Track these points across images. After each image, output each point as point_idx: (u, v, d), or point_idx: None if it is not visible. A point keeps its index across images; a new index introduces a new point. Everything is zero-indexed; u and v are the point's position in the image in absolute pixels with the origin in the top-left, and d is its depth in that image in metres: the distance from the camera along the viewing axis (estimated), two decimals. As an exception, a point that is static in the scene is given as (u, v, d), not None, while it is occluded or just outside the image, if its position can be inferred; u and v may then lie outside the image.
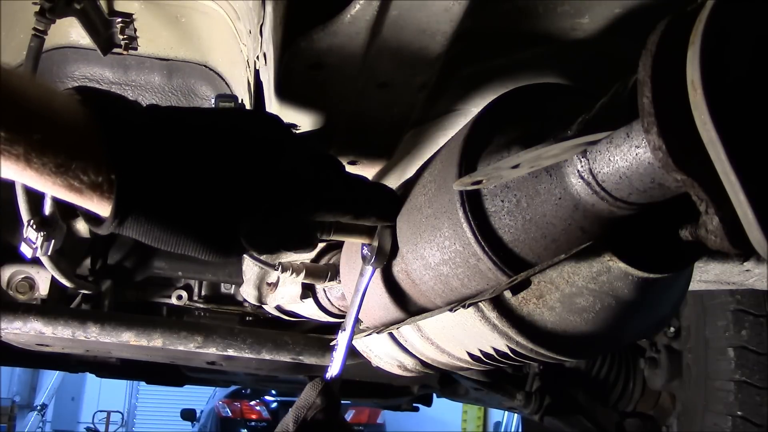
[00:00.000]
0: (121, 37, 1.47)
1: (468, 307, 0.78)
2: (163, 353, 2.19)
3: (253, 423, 10.00)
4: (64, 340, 1.94)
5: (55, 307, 1.98)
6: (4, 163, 0.62)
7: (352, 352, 1.02)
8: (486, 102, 0.85)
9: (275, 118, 0.86)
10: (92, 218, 0.74)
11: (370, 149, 1.17)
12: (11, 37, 1.45)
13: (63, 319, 1.83)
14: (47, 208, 1.48)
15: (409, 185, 0.94)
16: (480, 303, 0.78)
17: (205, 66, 1.58)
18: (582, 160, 0.65)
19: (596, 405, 2.50)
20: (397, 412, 5.25)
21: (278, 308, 1.73)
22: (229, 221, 0.77)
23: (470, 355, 0.92)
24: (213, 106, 1.36)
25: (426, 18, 0.81)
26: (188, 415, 11.95)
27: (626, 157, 0.60)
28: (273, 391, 9.72)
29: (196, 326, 1.96)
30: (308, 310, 1.56)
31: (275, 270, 1.35)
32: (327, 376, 0.92)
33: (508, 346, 0.82)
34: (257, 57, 1.09)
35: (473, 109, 1.14)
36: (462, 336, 0.89)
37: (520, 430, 9.55)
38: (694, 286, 1.16)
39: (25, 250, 1.40)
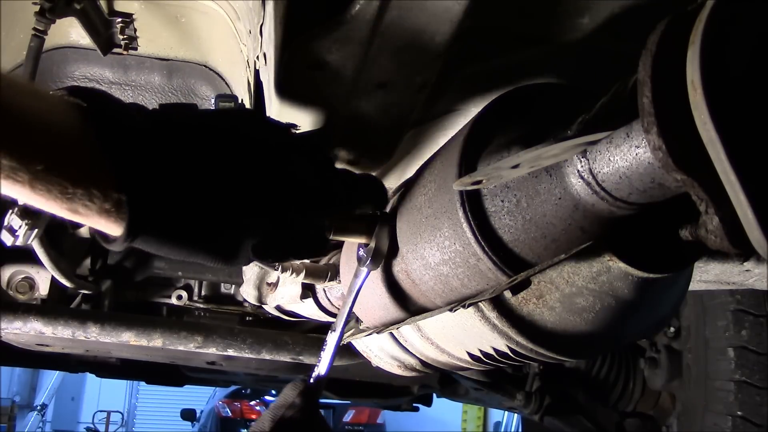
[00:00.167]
0: (121, 37, 1.47)
1: (468, 307, 0.78)
2: (163, 353, 2.19)
3: (253, 423, 9.99)
4: (64, 340, 1.94)
5: (55, 307, 1.98)
6: (12, 188, 0.61)
7: (352, 352, 1.01)
8: (486, 102, 0.85)
9: (277, 122, 0.85)
10: (101, 235, 0.73)
11: (370, 149, 1.17)
12: (11, 37, 1.45)
13: (63, 319, 1.83)
14: None
15: (409, 185, 0.94)
16: (480, 303, 0.78)
17: (205, 66, 1.58)
18: (582, 160, 0.65)
19: (596, 405, 2.50)
20: (397, 412, 5.25)
21: (278, 308, 1.73)
22: (238, 233, 0.76)
23: (470, 355, 0.92)
24: (213, 106, 1.36)
25: (426, 18, 0.81)
26: (188, 415, 11.94)
27: (626, 157, 0.60)
28: (273, 391, 9.68)
29: (196, 326, 1.96)
30: (308, 310, 1.56)
31: (275, 270, 1.35)
32: (313, 375, 0.92)
33: (508, 346, 0.82)
34: (257, 57, 1.09)
35: (473, 109, 1.14)
36: (462, 336, 0.89)
37: (520, 430, 9.55)
38: (694, 286, 1.16)
39: (6, 237, 1.39)
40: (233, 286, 2.46)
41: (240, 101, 1.47)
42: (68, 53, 1.55)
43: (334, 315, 1.50)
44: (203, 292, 2.47)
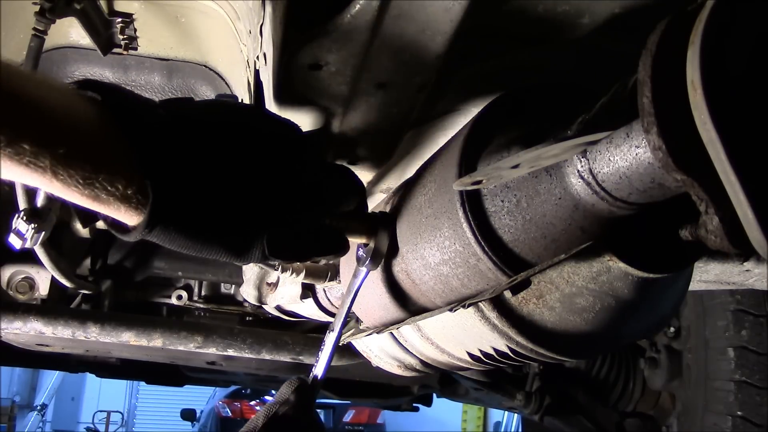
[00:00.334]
0: (121, 37, 1.47)
1: (468, 307, 0.78)
2: (163, 353, 2.19)
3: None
4: (64, 340, 1.94)
5: (55, 307, 1.98)
6: (31, 176, 0.61)
7: (352, 352, 1.01)
8: (486, 102, 0.85)
9: (287, 120, 0.85)
10: (116, 225, 0.73)
11: (370, 149, 1.17)
12: (11, 37, 1.45)
13: (63, 319, 1.83)
14: (40, 200, 1.48)
15: (409, 185, 0.94)
16: (480, 303, 0.78)
17: (205, 66, 1.58)
18: (582, 160, 0.65)
19: (596, 405, 2.50)
20: (397, 412, 5.25)
21: (278, 308, 1.73)
22: (254, 228, 0.77)
23: (470, 355, 0.92)
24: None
25: (426, 18, 0.81)
26: (188, 415, 11.95)
27: (626, 157, 0.60)
28: (273, 391, 9.68)
29: (196, 326, 1.96)
30: (308, 310, 1.56)
31: (275, 270, 1.35)
32: (311, 375, 0.92)
33: (508, 346, 0.82)
34: (257, 57, 1.09)
35: (473, 109, 1.14)
36: (462, 336, 0.89)
37: (520, 430, 9.55)
38: (694, 286, 1.16)
39: (14, 241, 1.39)
40: (233, 286, 2.46)
41: (240, 101, 1.47)
42: (68, 53, 1.55)
43: (334, 315, 1.50)
44: (203, 292, 2.47)
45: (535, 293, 0.76)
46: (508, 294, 0.77)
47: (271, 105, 1.04)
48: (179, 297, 2.44)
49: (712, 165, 0.47)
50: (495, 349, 0.85)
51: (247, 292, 1.78)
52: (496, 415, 11.62)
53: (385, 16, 0.81)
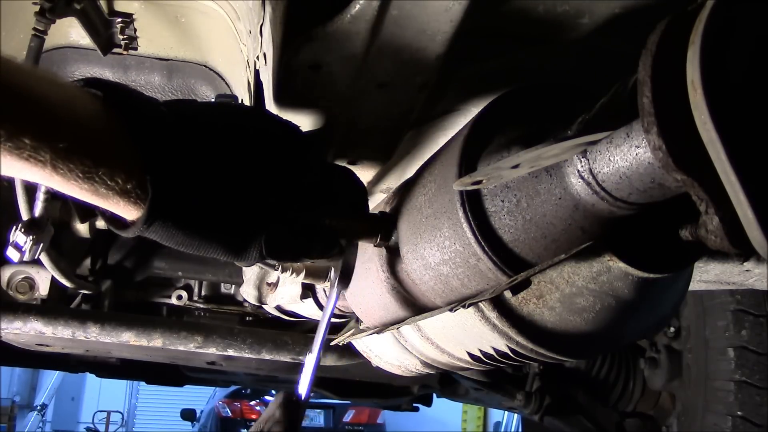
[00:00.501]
0: (121, 37, 1.47)
1: (468, 307, 0.78)
2: (163, 353, 2.19)
3: (253, 423, 9.99)
4: (64, 340, 1.94)
5: (55, 307, 1.98)
6: (31, 170, 0.61)
7: (352, 352, 1.02)
8: (486, 102, 0.85)
9: (288, 121, 0.86)
10: (115, 221, 0.74)
11: (370, 149, 1.17)
12: (11, 37, 1.45)
13: (63, 319, 1.83)
14: (37, 211, 1.48)
15: (409, 185, 0.94)
16: (480, 303, 0.78)
17: (205, 66, 1.58)
18: (582, 160, 0.65)
19: (596, 405, 2.50)
20: (397, 412, 5.25)
21: (278, 308, 1.73)
22: (252, 227, 0.77)
23: (470, 355, 0.92)
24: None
25: (426, 18, 0.81)
26: (188, 415, 11.94)
27: (626, 157, 0.60)
28: (273, 391, 9.68)
29: (196, 326, 1.96)
30: (308, 310, 1.56)
31: (275, 270, 1.35)
32: (296, 394, 0.92)
33: (508, 346, 0.82)
34: (257, 57, 1.09)
35: (473, 109, 1.14)
36: (462, 336, 0.89)
37: (520, 430, 9.55)
38: (694, 286, 1.16)
39: (12, 254, 1.39)
40: (233, 286, 2.46)
41: (240, 101, 1.47)
42: (68, 53, 1.55)
43: (334, 315, 1.50)
44: (203, 292, 2.47)
45: (536, 293, 0.76)
46: (508, 294, 0.77)
47: (271, 105, 1.04)
48: (179, 297, 2.44)
49: (712, 165, 0.47)
50: (495, 349, 0.85)
51: (247, 292, 1.78)
52: (496, 415, 11.62)
53: (386, 16, 0.81)
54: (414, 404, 3.81)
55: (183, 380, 3.49)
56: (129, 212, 0.70)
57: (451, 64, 0.95)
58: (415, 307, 0.94)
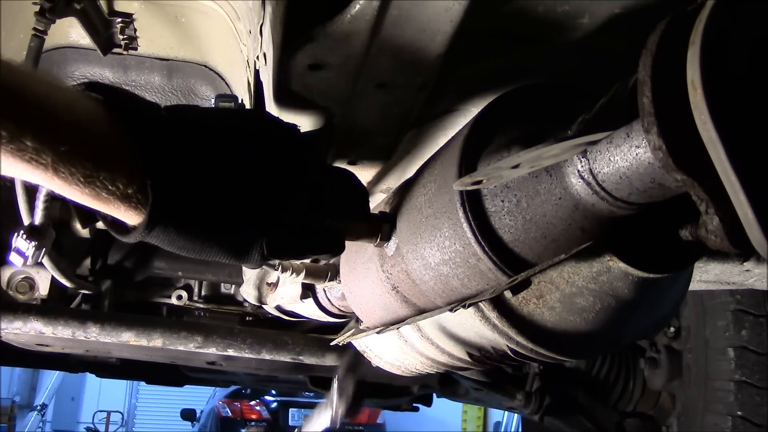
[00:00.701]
0: (121, 37, 1.47)
1: (468, 307, 0.78)
2: (163, 353, 2.19)
3: (253, 423, 9.99)
4: (64, 340, 1.94)
5: (55, 307, 1.98)
6: (32, 172, 0.61)
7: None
8: (486, 102, 0.85)
9: (288, 123, 0.86)
10: (116, 226, 0.74)
11: (370, 149, 1.17)
12: (11, 37, 1.45)
13: (63, 319, 1.83)
14: (38, 217, 1.48)
15: (409, 185, 0.94)
16: (480, 303, 0.78)
17: (205, 66, 1.58)
18: (582, 160, 0.65)
19: (596, 405, 2.50)
20: (397, 412, 5.25)
21: (278, 308, 1.73)
22: (254, 233, 0.77)
23: (470, 355, 0.92)
24: (213, 106, 1.36)
25: (426, 18, 0.81)
26: (188, 415, 11.94)
27: (626, 157, 0.60)
28: (273, 391, 9.72)
29: (196, 326, 1.96)
30: (308, 310, 1.56)
31: (275, 270, 1.35)
32: None
33: (508, 346, 0.82)
34: (257, 57, 1.09)
35: (473, 109, 1.14)
36: (462, 336, 0.89)
37: (520, 430, 9.55)
38: (694, 286, 1.16)
39: (15, 259, 1.40)
40: (233, 286, 2.46)
41: (240, 101, 1.47)
42: (68, 53, 1.55)
43: (334, 315, 1.50)
44: (203, 292, 2.47)
45: (536, 293, 0.76)
46: (508, 294, 0.77)
47: (271, 105, 1.04)
48: (179, 297, 2.44)
49: (712, 165, 0.47)
50: (495, 349, 0.85)
51: (247, 292, 1.78)
52: (496, 415, 11.62)
53: (385, 17, 0.81)
54: (414, 404, 3.80)
55: (183, 380, 3.49)
56: (130, 217, 0.70)
57: (451, 64, 0.95)
58: (415, 307, 0.94)
